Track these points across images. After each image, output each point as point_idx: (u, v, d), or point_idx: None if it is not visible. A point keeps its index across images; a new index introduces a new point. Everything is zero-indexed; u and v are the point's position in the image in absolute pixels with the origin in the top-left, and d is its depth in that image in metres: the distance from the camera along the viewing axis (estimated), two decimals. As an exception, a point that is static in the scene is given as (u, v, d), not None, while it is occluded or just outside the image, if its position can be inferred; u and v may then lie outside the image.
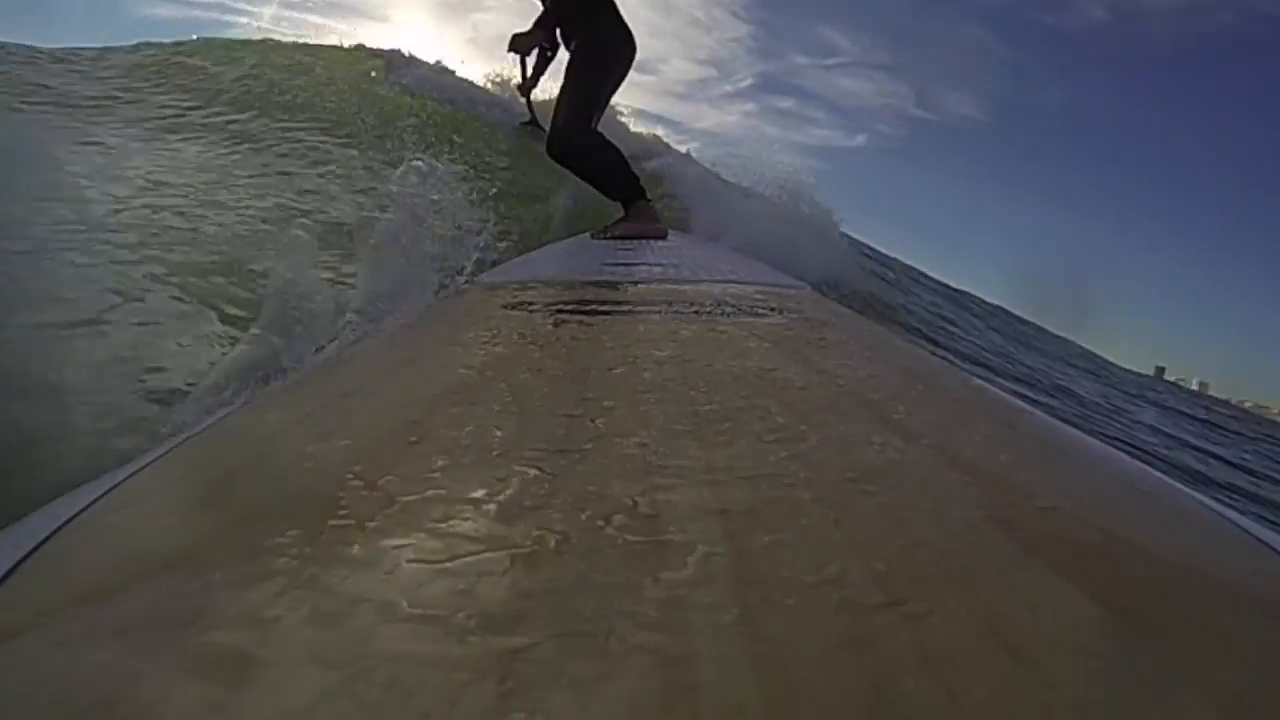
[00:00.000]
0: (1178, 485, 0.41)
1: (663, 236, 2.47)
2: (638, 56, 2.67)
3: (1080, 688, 0.20)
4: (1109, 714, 0.20)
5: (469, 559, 0.27)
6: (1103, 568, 0.28)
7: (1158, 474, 0.43)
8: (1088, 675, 0.21)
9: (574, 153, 2.56)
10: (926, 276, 6.83)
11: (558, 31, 2.70)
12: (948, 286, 6.99)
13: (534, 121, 3.39)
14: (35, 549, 0.30)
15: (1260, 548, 0.33)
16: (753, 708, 0.19)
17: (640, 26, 2.79)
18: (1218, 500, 0.39)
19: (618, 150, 2.58)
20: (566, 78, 2.59)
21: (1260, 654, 0.23)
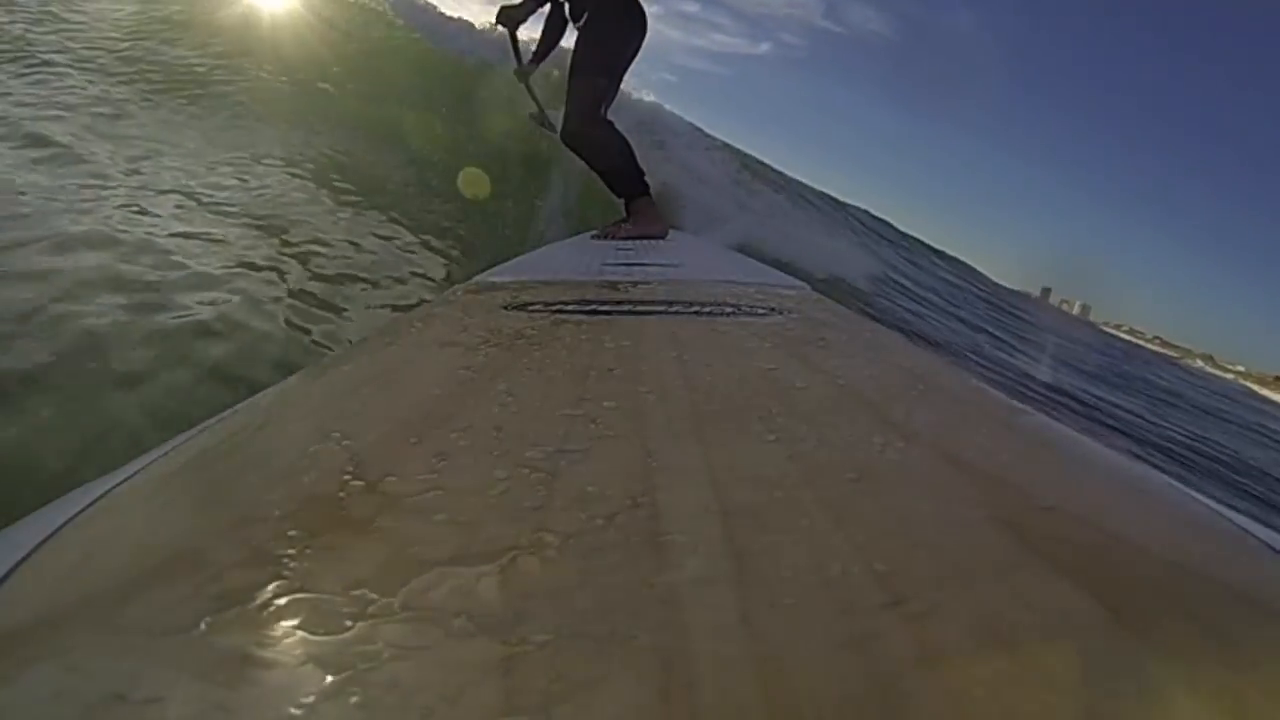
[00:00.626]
0: (1178, 485, 0.41)
1: (663, 236, 2.44)
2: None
3: (1080, 688, 0.21)
4: (1109, 714, 0.20)
5: (469, 559, 0.27)
6: (1103, 568, 0.28)
7: (1158, 474, 0.43)
8: (1088, 675, 0.21)
9: (587, 142, 2.44)
10: (829, 197, 7.07)
11: (565, 7, 2.53)
12: (837, 201, 7.13)
13: (541, 113, 2.98)
14: (35, 549, 0.30)
15: (1260, 548, 0.33)
16: (753, 708, 0.19)
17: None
18: (1221, 501, 0.39)
19: (627, 142, 2.47)
20: (576, 58, 2.44)
21: (1260, 654, 0.23)
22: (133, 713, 0.20)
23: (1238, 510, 0.38)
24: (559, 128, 2.52)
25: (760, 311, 0.88)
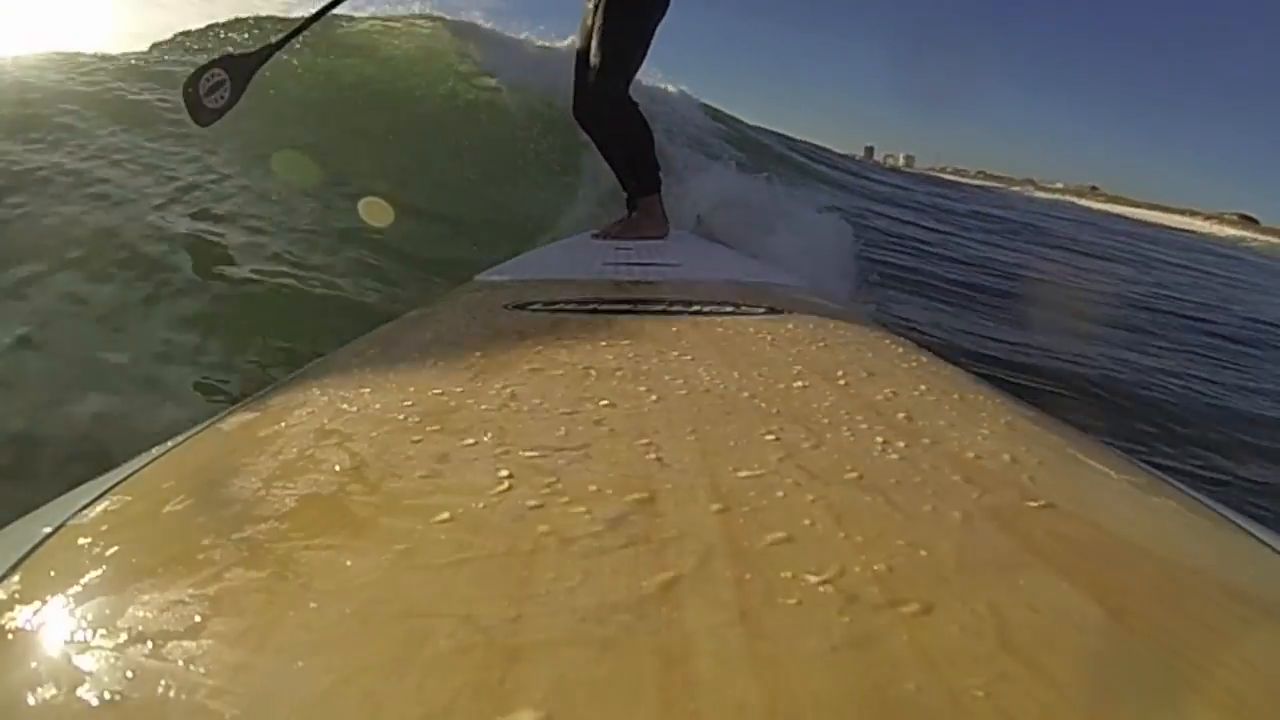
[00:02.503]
0: (1178, 485, 0.41)
1: (663, 237, 2.23)
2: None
3: (1080, 688, 0.21)
4: (1109, 714, 0.20)
5: (469, 559, 0.27)
6: (1103, 568, 0.28)
7: (1158, 474, 0.43)
8: (1088, 675, 0.21)
9: (609, 118, 2.14)
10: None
11: None
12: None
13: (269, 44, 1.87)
14: (35, 549, 0.30)
15: (1260, 548, 0.33)
16: (753, 708, 0.19)
17: None
18: (1219, 500, 0.39)
19: (650, 131, 2.20)
20: (606, 23, 2.12)
21: (1260, 654, 0.23)
22: (133, 713, 0.20)
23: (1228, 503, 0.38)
24: (574, 101, 2.16)
25: (760, 311, 0.88)
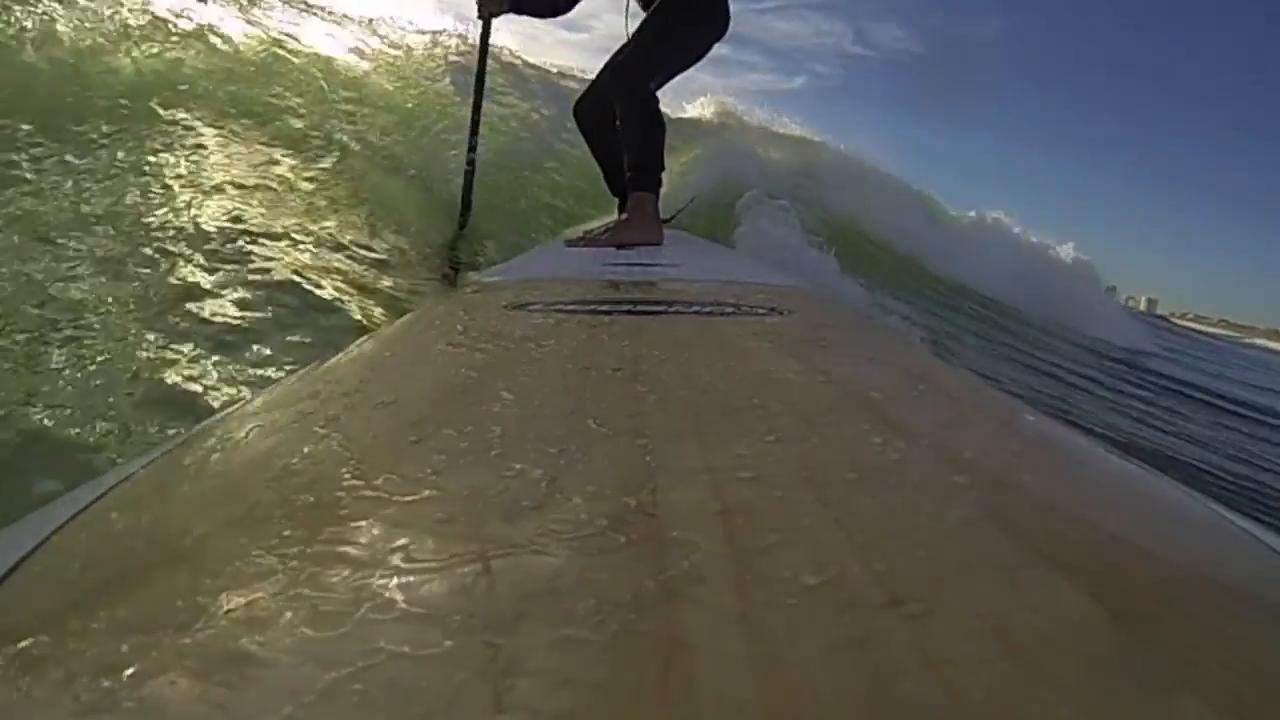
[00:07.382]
0: (1178, 485, 0.41)
1: (658, 243, 2.11)
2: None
3: (1080, 688, 0.21)
4: (1109, 714, 0.20)
5: (469, 559, 0.27)
6: (1103, 568, 0.28)
7: (1158, 474, 0.43)
8: (1088, 675, 0.21)
9: (632, 95, 2.13)
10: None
11: None
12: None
13: (479, 87, 2.41)
14: (35, 549, 0.30)
15: (1260, 548, 0.33)
16: (752, 708, 0.19)
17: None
18: (1218, 500, 0.39)
19: (664, 126, 2.20)
20: (650, 25, 2.15)
21: (1260, 654, 0.23)
22: (133, 713, 0.20)
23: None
24: (579, 96, 2.23)
25: (760, 311, 0.88)
